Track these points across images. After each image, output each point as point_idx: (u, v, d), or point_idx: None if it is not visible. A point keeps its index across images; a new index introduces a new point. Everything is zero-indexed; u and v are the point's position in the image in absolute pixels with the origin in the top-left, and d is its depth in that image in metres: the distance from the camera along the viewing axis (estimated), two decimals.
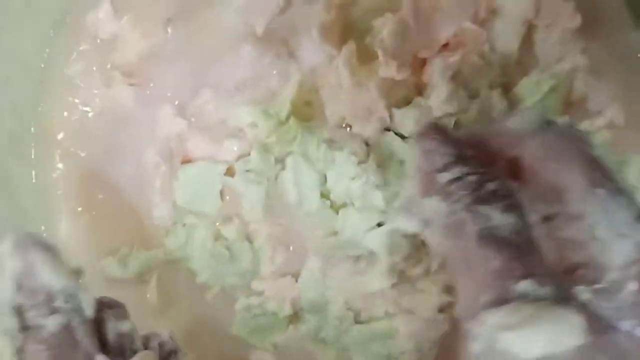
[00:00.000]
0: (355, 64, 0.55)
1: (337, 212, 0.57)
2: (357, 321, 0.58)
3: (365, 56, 0.56)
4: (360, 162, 0.55)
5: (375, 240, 0.56)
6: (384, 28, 0.55)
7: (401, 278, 0.57)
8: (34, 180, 0.61)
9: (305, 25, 0.57)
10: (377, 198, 0.55)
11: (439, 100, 0.54)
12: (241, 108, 0.57)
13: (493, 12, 0.56)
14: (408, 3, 0.55)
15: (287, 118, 0.56)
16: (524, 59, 0.57)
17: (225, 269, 0.58)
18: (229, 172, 0.58)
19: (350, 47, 0.55)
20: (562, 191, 0.35)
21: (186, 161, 0.59)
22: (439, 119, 0.55)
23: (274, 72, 0.58)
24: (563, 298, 0.32)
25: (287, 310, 0.58)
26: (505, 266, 0.33)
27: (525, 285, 0.32)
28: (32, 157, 0.61)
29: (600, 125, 0.57)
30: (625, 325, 0.32)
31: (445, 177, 0.36)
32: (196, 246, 0.58)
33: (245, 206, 0.57)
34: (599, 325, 0.32)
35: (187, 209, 0.58)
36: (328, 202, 0.57)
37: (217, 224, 0.58)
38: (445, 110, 0.55)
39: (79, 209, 0.61)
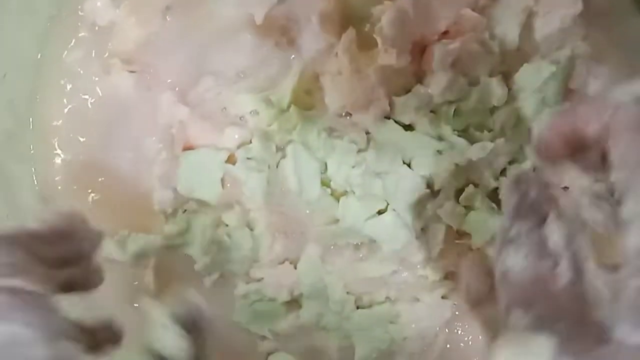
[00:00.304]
0: (355, 52, 0.55)
1: (337, 200, 0.57)
2: (359, 306, 0.58)
3: (365, 44, 0.56)
4: (360, 151, 0.56)
5: (376, 228, 0.56)
6: (383, 16, 0.54)
7: (402, 265, 0.57)
8: (33, 173, 0.61)
9: (305, 13, 0.57)
10: (377, 186, 0.55)
11: (439, 88, 0.54)
12: (242, 96, 0.57)
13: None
14: None
15: (288, 106, 0.57)
16: (524, 45, 0.57)
17: (225, 256, 0.58)
18: (230, 159, 0.58)
19: (350, 34, 0.55)
20: None
21: (187, 148, 0.59)
22: (439, 106, 0.55)
23: (274, 60, 0.58)
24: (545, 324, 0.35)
25: (284, 296, 0.58)
26: (506, 303, 0.37)
27: (513, 317, 0.36)
28: (31, 149, 0.62)
29: None
30: (621, 329, 0.33)
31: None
32: (196, 233, 0.58)
33: (246, 194, 0.57)
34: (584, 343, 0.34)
35: (188, 195, 0.58)
36: (328, 190, 0.57)
37: (218, 211, 0.58)
38: (445, 97, 0.55)
39: (79, 196, 0.61)
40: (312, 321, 0.58)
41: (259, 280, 0.58)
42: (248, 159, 0.57)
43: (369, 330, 0.58)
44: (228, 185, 0.58)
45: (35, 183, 0.62)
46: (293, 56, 0.58)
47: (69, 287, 0.38)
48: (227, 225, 0.58)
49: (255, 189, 0.57)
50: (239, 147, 0.58)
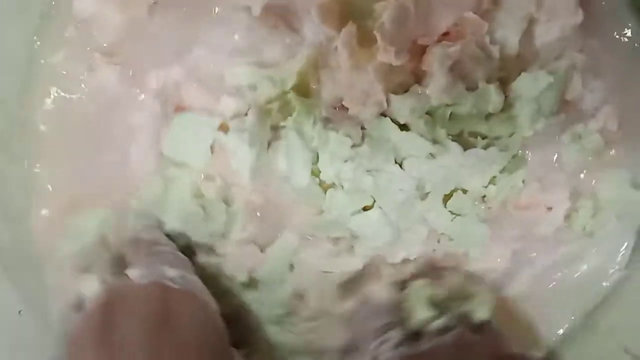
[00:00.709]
0: (355, 47, 0.55)
1: (324, 192, 0.57)
2: (294, 313, 0.59)
3: (366, 39, 0.55)
4: (354, 145, 0.56)
5: (360, 223, 0.57)
6: (384, 12, 0.54)
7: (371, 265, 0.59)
8: (20, 175, 0.60)
9: (304, 5, 0.56)
10: (367, 182, 0.56)
11: (436, 90, 0.54)
12: (242, 68, 0.57)
13: (495, 3, 0.56)
14: None
15: (291, 89, 0.56)
16: (524, 52, 0.57)
17: (197, 227, 0.58)
18: (222, 128, 0.57)
19: (350, 29, 0.55)
20: None
21: (180, 109, 0.58)
22: (436, 109, 0.55)
23: (278, 40, 0.57)
24: None
25: (242, 276, 0.58)
26: None
27: None
28: (22, 151, 0.60)
29: (593, 129, 0.58)
30: None
31: None
32: (173, 199, 0.58)
33: (233, 166, 0.57)
34: None
35: (172, 158, 0.57)
36: (317, 180, 0.57)
37: (198, 180, 0.58)
38: (442, 100, 0.54)
39: (65, 200, 0.60)
40: (256, 304, 0.59)
41: (221, 255, 0.58)
42: (241, 130, 0.56)
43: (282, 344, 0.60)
44: (215, 155, 0.57)
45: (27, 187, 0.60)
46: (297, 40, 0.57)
47: None
48: (204, 196, 0.58)
49: (244, 162, 0.56)
50: (232, 117, 0.57)
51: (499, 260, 0.59)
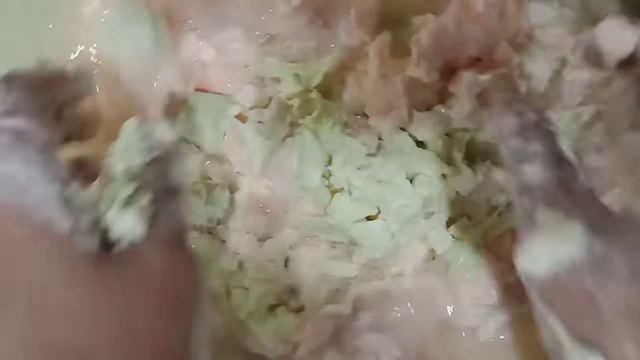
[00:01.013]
0: (386, 56, 0.55)
1: (332, 195, 0.57)
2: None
3: (398, 51, 0.55)
4: (368, 154, 0.56)
5: (361, 232, 0.56)
6: (423, 27, 0.54)
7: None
8: None
9: (344, 5, 0.56)
10: (375, 192, 0.56)
11: (460, 114, 0.54)
12: (271, 59, 0.57)
13: (529, 38, 0.56)
14: (453, 9, 0.55)
15: (315, 88, 0.56)
16: (550, 92, 0.57)
17: (197, 209, 0.57)
18: (240, 117, 0.57)
19: (384, 38, 0.55)
20: None
21: (200, 89, 0.58)
22: (455, 131, 0.55)
23: (312, 36, 0.57)
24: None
25: (233, 265, 0.57)
26: (530, 207, 0.42)
27: (540, 215, 0.41)
28: None
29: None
30: None
31: None
32: None
33: (244, 156, 0.57)
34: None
35: (183, 136, 0.57)
36: (326, 182, 0.57)
37: (207, 162, 0.58)
38: (464, 124, 0.55)
39: None
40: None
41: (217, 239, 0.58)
42: (259, 122, 0.56)
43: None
44: (226, 141, 0.57)
45: None
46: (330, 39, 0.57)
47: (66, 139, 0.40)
48: (210, 179, 0.57)
49: (257, 153, 0.56)
50: (251, 108, 0.57)
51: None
